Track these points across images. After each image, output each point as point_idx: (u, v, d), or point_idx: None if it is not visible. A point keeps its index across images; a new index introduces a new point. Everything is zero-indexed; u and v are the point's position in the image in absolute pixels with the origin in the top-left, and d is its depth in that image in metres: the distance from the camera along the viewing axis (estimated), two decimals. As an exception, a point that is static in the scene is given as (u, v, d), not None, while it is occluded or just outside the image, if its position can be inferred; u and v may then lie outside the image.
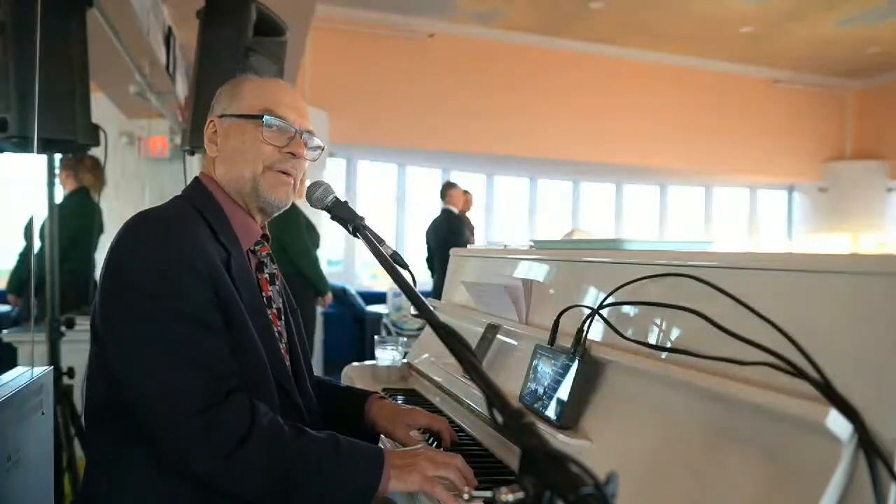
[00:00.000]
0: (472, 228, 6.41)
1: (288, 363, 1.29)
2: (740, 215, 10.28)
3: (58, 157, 2.98)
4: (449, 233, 5.77)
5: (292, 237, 4.46)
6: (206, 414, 1.05)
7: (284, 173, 1.26)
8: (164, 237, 1.12)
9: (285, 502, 1.06)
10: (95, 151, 2.62)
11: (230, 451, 1.03)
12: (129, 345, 1.08)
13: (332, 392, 1.46)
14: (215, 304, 1.12)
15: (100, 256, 3.93)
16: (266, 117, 1.23)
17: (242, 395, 1.10)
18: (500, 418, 0.65)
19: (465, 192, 6.39)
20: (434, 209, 6.32)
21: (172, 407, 1.05)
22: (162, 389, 1.06)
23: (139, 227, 1.14)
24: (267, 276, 1.32)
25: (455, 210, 6.02)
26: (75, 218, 3.63)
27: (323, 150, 1.35)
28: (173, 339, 1.07)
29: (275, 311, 1.31)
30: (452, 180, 7.42)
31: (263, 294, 1.28)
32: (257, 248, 1.31)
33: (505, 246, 2.00)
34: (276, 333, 1.27)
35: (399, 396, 1.77)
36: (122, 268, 1.12)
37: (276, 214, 1.32)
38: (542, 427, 1.10)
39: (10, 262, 4.09)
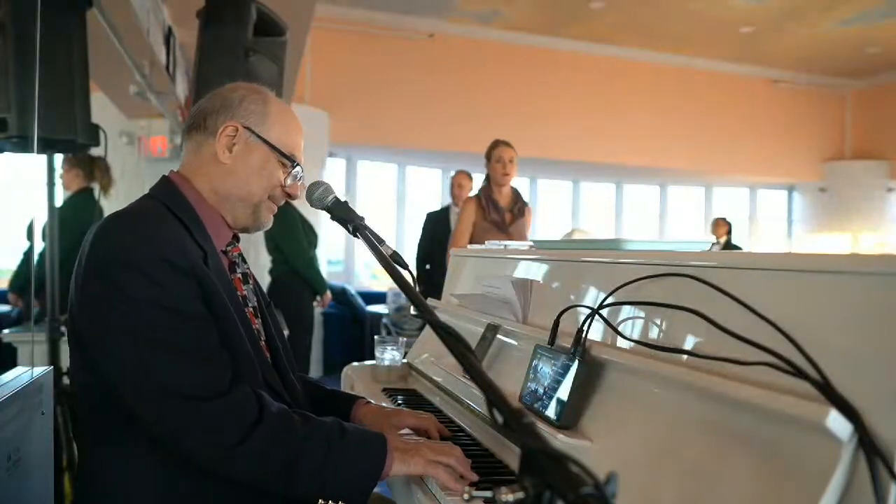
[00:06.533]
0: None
1: (269, 360, 1.31)
2: (740, 215, 10.28)
3: (58, 157, 2.99)
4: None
5: (288, 237, 4.46)
6: (213, 402, 1.06)
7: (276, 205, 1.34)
8: (140, 234, 1.12)
9: (291, 487, 1.08)
10: (95, 151, 2.62)
11: (241, 438, 1.05)
12: (120, 345, 1.09)
13: (319, 395, 1.46)
14: (199, 297, 1.13)
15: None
16: (297, 167, 1.30)
17: (245, 384, 1.12)
18: (500, 418, 0.65)
19: (453, 178, 5.30)
20: (434, 208, 6.20)
21: (176, 398, 1.06)
22: (162, 383, 1.06)
23: (114, 226, 1.15)
24: (240, 275, 1.33)
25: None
26: (81, 218, 3.62)
27: None
28: (163, 332, 1.08)
29: (251, 309, 1.32)
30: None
31: (238, 294, 1.29)
32: (229, 248, 1.32)
33: (505, 246, 2.00)
34: (255, 331, 1.29)
35: (399, 396, 1.77)
36: (101, 269, 1.11)
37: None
38: (542, 427, 1.10)
39: (9, 261, 4.10)
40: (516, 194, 4.00)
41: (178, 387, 1.06)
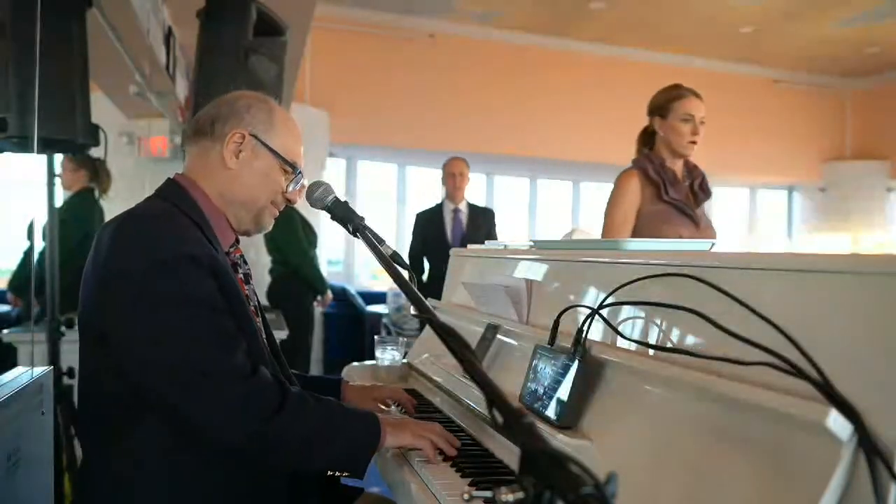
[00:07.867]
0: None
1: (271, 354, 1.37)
2: (740, 215, 10.27)
3: (58, 157, 2.99)
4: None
5: (288, 237, 4.45)
6: (242, 385, 1.11)
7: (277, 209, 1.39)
8: (162, 233, 1.17)
9: (305, 462, 1.17)
10: (95, 152, 2.62)
11: (268, 418, 1.11)
12: (149, 339, 1.12)
13: (307, 382, 1.51)
14: (219, 290, 1.18)
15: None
16: (299, 174, 1.35)
17: (264, 369, 1.17)
18: (500, 418, 0.65)
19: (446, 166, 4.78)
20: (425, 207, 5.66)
21: (208, 383, 1.10)
22: (193, 370, 1.10)
23: (134, 227, 1.19)
24: (242, 275, 1.38)
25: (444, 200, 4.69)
26: (84, 218, 3.61)
27: None
28: (192, 323, 1.12)
29: (253, 308, 1.36)
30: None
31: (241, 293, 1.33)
32: (231, 249, 1.36)
33: (505, 246, 2.00)
34: (258, 328, 1.33)
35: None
36: (125, 267, 1.14)
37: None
38: (542, 427, 1.10)
39: (9, 261, 4.09)
40: (689, 165, 2.62)
41: (209, 372, 1.10)
